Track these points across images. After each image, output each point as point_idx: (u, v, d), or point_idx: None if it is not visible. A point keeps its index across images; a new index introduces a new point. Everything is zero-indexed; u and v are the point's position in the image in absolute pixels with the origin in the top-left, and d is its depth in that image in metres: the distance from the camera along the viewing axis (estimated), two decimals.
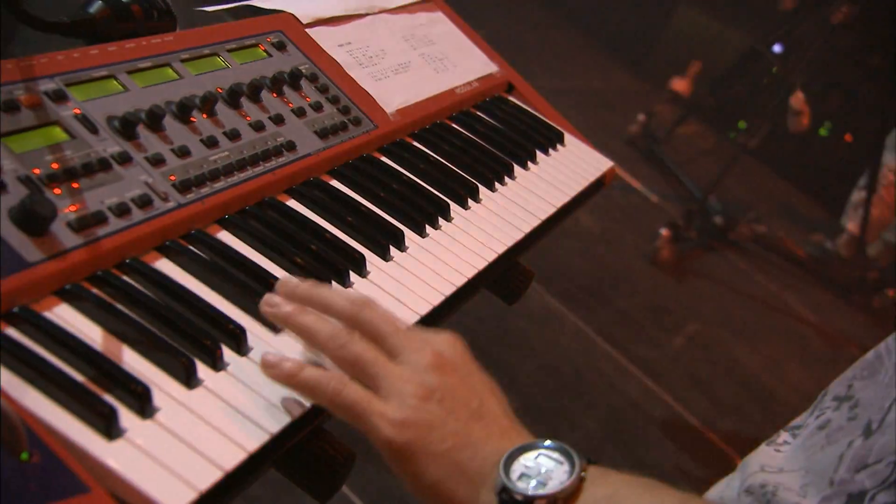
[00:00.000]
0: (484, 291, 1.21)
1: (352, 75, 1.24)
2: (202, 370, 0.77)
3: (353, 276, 0.98)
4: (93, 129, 0.88)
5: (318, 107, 1.14)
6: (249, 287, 0.88)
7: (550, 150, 1.43)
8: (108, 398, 0.70)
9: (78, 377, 0.71)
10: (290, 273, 0.94)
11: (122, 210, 0.84)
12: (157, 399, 0.73)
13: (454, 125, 1.36)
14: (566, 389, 3.00)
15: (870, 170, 4.34)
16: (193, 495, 0.68)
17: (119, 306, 0.79)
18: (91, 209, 0.82)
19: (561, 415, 2.86)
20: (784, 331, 4.01)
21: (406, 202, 1.12)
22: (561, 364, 3.11)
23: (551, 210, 1.28)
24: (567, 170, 1.41)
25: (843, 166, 4.87)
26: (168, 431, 0.71)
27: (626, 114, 4.84)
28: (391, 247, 1.04)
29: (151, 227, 0.86)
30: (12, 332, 0.72)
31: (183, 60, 1.03)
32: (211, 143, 0.98)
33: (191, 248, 0.90)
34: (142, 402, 0.71)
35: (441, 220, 1.14)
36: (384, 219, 1.08)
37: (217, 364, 0.79)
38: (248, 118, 1.04)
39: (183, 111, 0.97)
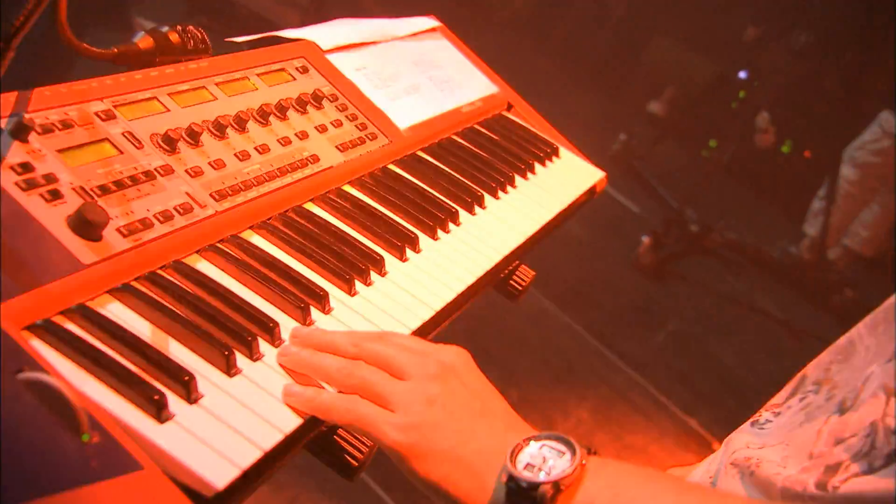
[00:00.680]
0: (485, 294, 1.20)
1: (368, 96, 1.24)
2: (240, 360, 0.77)
3: (373, 276, 0.98)
4: (138, 145, 0.89)
5: (338, 124, 1.14)
6: (280, 285, 0.88)
7: (547, 162, 1.43)
8: (158, 385, 0.70)
9: (131, 367, 0.71)
10: (314, 272, 0.94)
11: (165, 217, 0.84)
12: (201, 386, 0.73)
13: (461, 140, 1.36)
14: (559, 382, 2.99)
15: (829, 181, 4.35)
16: (237, 472, 0.68)
17: (165, 303, 0.79)
18: (138, 216, 0.82)
19: (555, 405, 2.86)
20: (754, 327, 4.01)
21: (419, 209, 1.12)
22: (554, 359, 3.11)
23: (550, 215, 1.28)
24: (563, 179, 1.41)
25: (803, 179, 4.87)
26: (212, 415, 0.71)
27: (607, 134, 4.83)
28: (406, 248, 1.04)
29: (192, 232, 0.86)
30: (72, 327, 0.72)
31: (217, 83, 1.04)
32: (243, 156, 0.98)
33: (227, 250, 0.90)
34: (188, 388, 0.71)
35: (451, 225, 1.14)
36: (400, 223, 1.08)
37: (254, 354, 0.79)
38: (275, 134, 1.04)
39: (218, 128, 0.98)
